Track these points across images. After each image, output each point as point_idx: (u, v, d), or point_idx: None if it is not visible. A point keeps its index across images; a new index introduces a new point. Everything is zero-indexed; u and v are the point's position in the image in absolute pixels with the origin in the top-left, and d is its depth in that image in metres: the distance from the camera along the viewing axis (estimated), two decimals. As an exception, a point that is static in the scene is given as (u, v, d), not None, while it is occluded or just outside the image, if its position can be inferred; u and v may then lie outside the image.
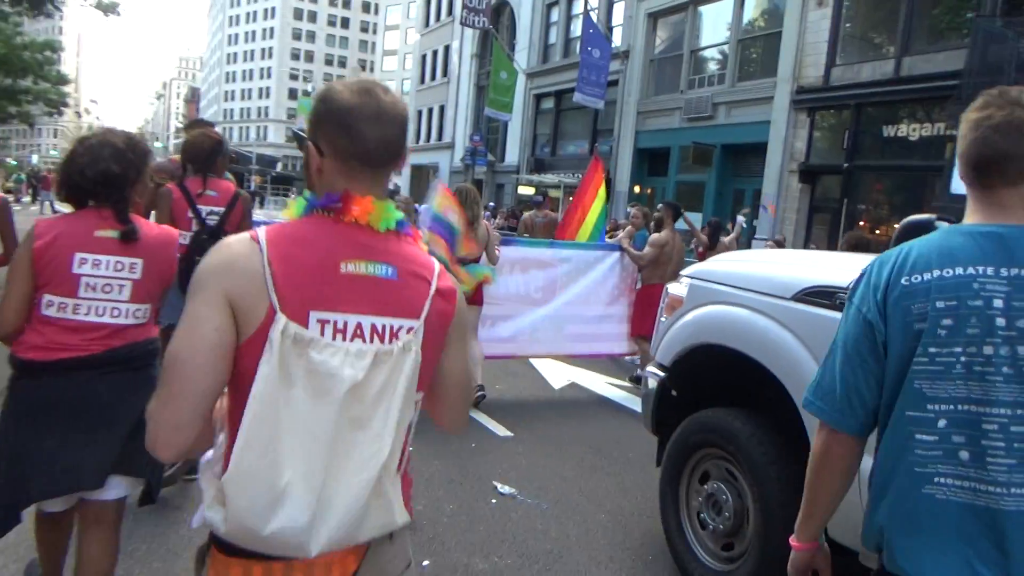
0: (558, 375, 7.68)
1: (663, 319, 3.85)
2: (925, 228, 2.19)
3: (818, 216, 18.22)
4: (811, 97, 17.80)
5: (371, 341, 1.35)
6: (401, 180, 48.87)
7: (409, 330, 1.40)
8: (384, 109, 1.39)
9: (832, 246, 16.77)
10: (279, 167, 72.16)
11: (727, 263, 3.64)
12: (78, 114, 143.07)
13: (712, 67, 21.44)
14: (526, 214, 12.11)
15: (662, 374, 3.68)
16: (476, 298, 5.90)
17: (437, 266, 1.51)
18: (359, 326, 1.35)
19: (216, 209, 4.11)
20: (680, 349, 3.55)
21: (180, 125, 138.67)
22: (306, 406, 1.27)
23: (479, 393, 6.14)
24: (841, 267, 2.94)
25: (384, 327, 1.37)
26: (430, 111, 42.26)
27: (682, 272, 3.93)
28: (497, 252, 6.06)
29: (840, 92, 17.07)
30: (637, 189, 24.19)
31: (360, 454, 1.31)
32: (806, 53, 18.02)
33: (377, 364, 1.33)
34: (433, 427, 1.67)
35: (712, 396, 3.59)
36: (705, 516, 3.44)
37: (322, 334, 1.31)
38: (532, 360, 7.79)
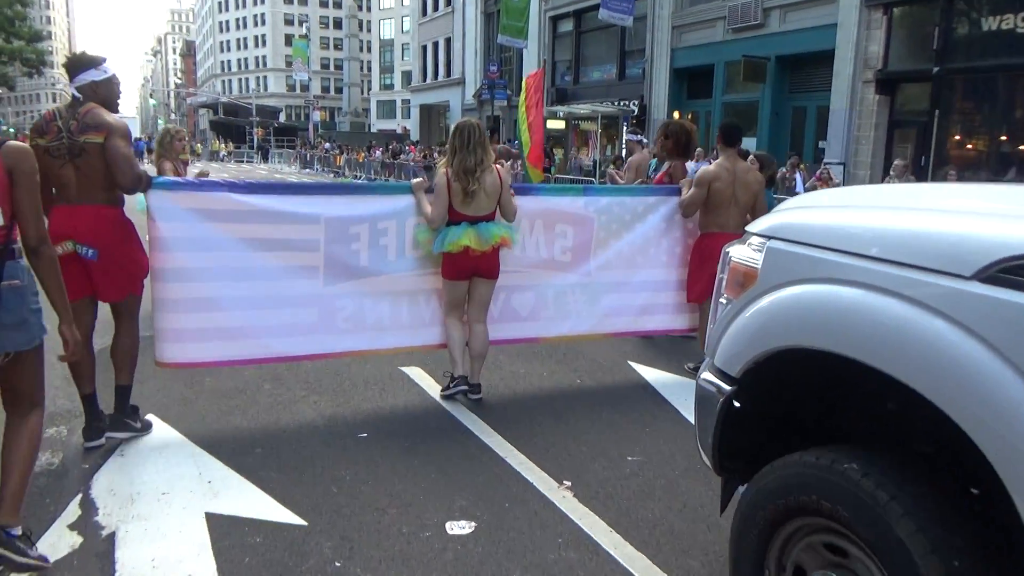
0: (592, 361, 5.66)
1: (723, 300, 2.58)
2: None
3: (900, 132, 15.68)
4: (888, -9, 15.04)
5: None
6: (410, 122, 46.24)
7: None
8: None
9: (920, 169, 14.30)
10: (282, 118, 69.59)
11: (834, 211, 2.36)
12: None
13: (760, -34, 18.52)
14: (501, 146, 10.87)
15: (727, 387, 2.37)
16: (488, 268, 4.55)
17: None
18: None
19: None
20: (757, 353, 2.25)
21: (179, 81, 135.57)
22: None
23: (468, 387, 4.68)
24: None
25: None
26: (435, 45, 39.33)
27: (753, 227, 2.53)
28: (514, 205, 4.61)
29: (926, -19, 14.31)
30: (676, 115, 21.51)
31: None
32: (880, -63, 15.18)
33: None
34: None
35: (812, 425, 2.37)
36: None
37: None
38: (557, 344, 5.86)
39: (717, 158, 6.61)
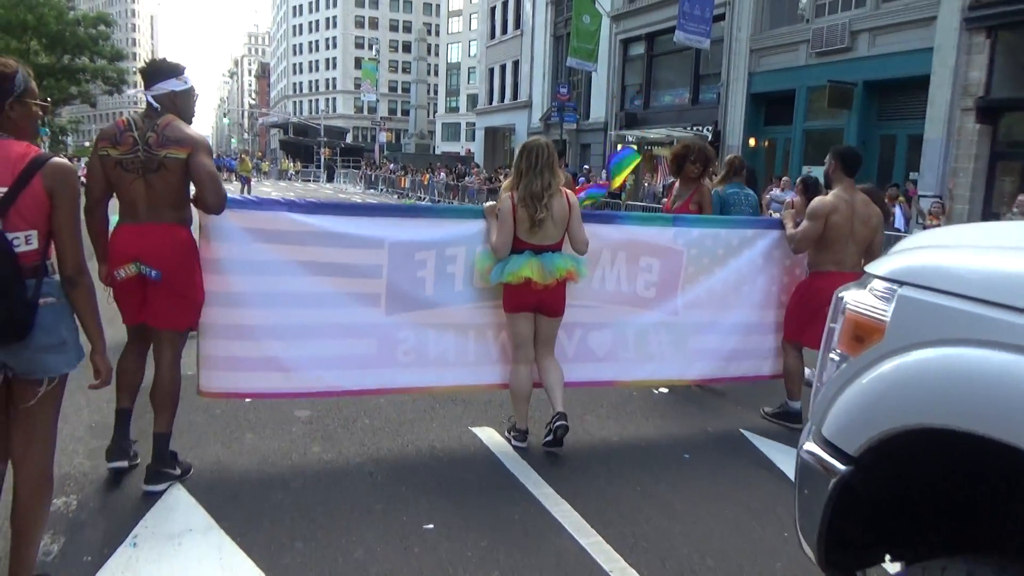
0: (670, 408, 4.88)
1: (834, 355, 2.11)
2: None
3: (1003, 165, 14.48)
4: (992, 12, 13.96)
5: None
6: (474, 144, 46.18)
7: None
8: None
9: None
10: (348, 138, 70.78)
11: (986, 253, 1.87)
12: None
13: (847, -13, 17.60)
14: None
15: (841, 467, 1.91)
16: (552, 304, 4.12)
17: None
18: None
19: None
20: (884, 430, 1.80)
21: (253, 102, 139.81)
22: None
23: (559, 423, 4.04)
24: None
25: None
26: (503, 68, 39.15)
27: (875, 268, 2.09)
28: (585, 236, 4.16)
29: (1036, 2, 13.21)
30: (752, 142, 20.67)
31: None
32: (984, -44, 14.13)
33: None
34: None
35: (958, 524, 1.96)
36: None
37: None
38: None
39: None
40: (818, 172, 16.92)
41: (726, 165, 6.35)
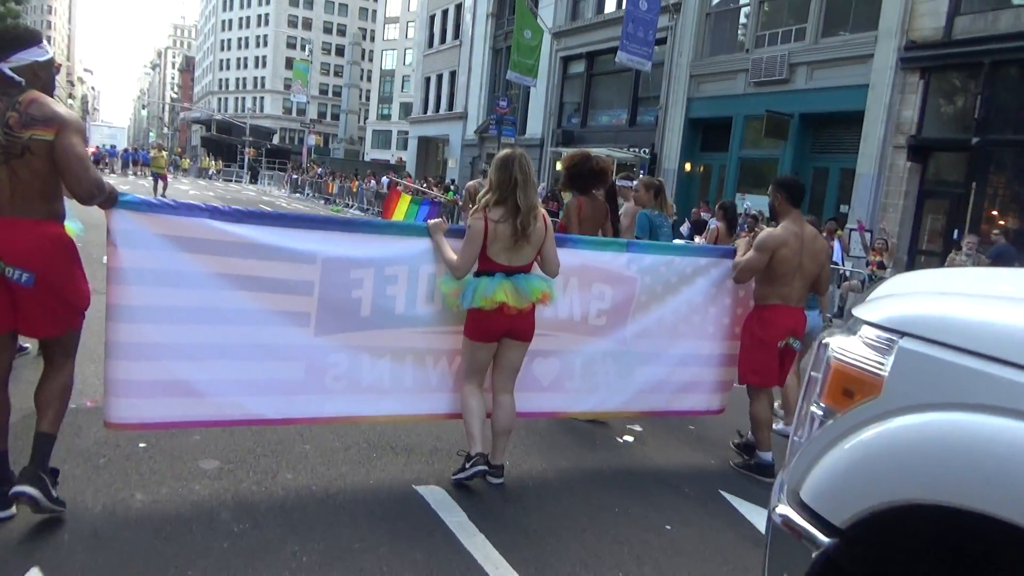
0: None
1: (817, 409, 1.91)
2: None
3: (931, 203, 14.84)
4: (927, 55, 14.32)
5: None
6: (406, 153, 45.36)
7: None
8: None
9: (949, 242, 13.43)
10: (275, 139, 68.75)
11: (1007, 305, 1.75)
12: (71, 83, 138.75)
13: (787, 19, 17.86)
14: (470, 183, 9.87)
15: (823, 539, 1.72)
16: (523, 329, 3.87)
17: None
18: None
19: None
20: (880, 502, 1.63)
21: (175, 96, 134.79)
22: None
23: (490, 468, 3.81)
24: None
25: None
26: (439, 78, 38.60)
27: (868, 313, 1.91)
28: (558, 258, 3.96)
29: (968, 48, 13.59)
30: (688, 167, 20.77)
31: None
32: (920, 0, 14.49)
33: None
34: None
35: None
36: None
37: None
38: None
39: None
40: (755, 200, 17.08)
41: (652, 187, 5.93)
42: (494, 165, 3.80)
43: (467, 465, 3.78)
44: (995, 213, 13.77)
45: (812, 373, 2.00)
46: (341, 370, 3.75)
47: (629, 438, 4.96)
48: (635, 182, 6.34)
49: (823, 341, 2.00)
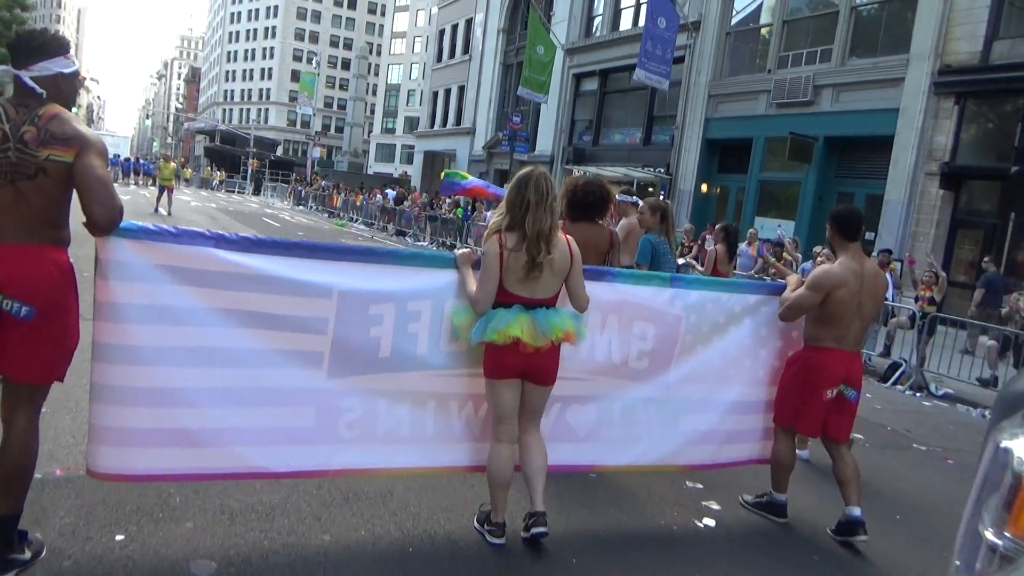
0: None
1: (994, 536, 1.45)
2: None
3: (963, 233, 14.24)
4: (962, 79, 13.79)
5: None
6: (412, 167, 44.86)
7: None
8: None
9: (981, 274, 12.80)
10: (279, 151, 68.44)
11: None
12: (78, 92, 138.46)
13: (811, 40, 17.34)
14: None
15: None
16: (542, 370, 3.43)
17: None
18: None
19: None
20: None
21: (180, 106, 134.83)
22: None
23: (537, 530, 3.42)
24: None
25: None
26: (447, 92, 38.17)
27: None
28: (586, 292, 3.56)
29: (1007, 74, 13.05)
30: (704, 188, 20.20)
31: None
32: (955, 23, 14.01)
33: None
34: None
35: None
36: None
37: None
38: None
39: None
40: (772, 225, 16.43)
41: (659, 209, 5.52)
42: (510, 184, 3.44)
43: (485, 528, 3.48)
44: (1034, 245, 13.17)
45: (982, 482, 1.50)
46: (355, 416, 3.35)
47: (710, 522, 4.12)
48: (640, 202, 5.94)
49: (1002, 444, 1.50)
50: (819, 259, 7.34)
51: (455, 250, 3.59)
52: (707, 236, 15.86)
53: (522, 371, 3.38)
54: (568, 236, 3.47)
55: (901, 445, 6.19)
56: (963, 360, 8.57)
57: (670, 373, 4.06)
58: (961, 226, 14.23)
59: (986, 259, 11.95)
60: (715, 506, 4.23)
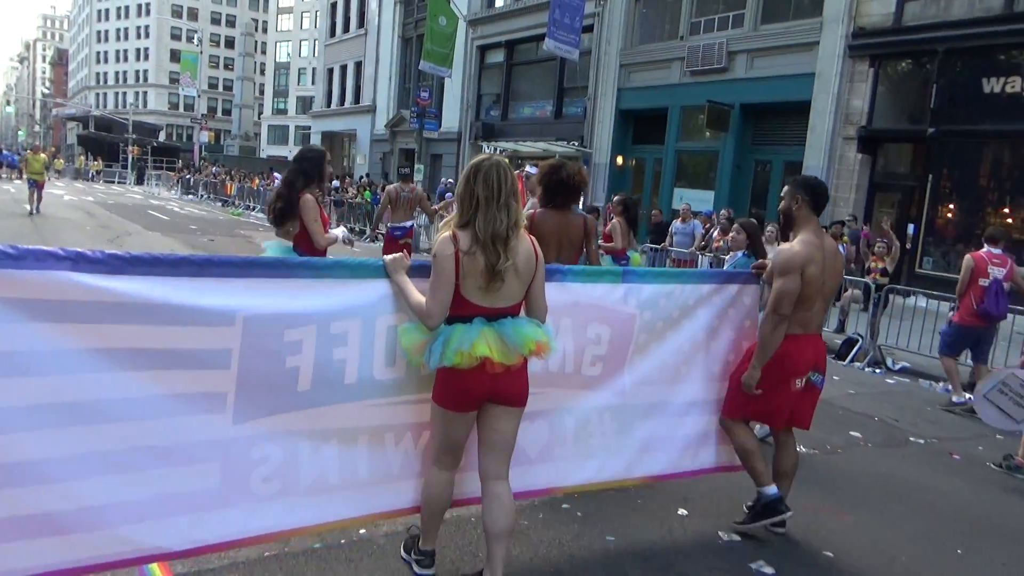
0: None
1: None
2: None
3: (882, 196, 14.29)
4: (876, 42, 13.74)
5: None
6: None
7: None
8: None
9: (903, 237, 12.83)
10: (162, 136, 64.37)
11: None
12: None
13: (723, 5, 17.03)
14: (390, 187, 9.52)
15: None
16: (514, 390, 2.92)
17: None
18: None
19: None
20: None
21: (46, 91, 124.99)
22: None
23: None
24: None
25: None
26: (343, 69, 36.40)
27: None
28: (545, 299, 3.06)
29: (920, 35, 13.05)
30: (620, 160, 19.74)
31: None
32: (867, -16, 13.87)
33: None
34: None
35: None
36: None
37: None
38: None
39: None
40: (690, 195, 16.14)
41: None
42: (461, 176, 2.97)
43: (412, 556, 3.12)
44: (951, 206, 13.30)
45: None
46: (272, 467, 2.82)
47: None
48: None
49: None
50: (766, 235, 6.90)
51: (383, 256, 3.04)
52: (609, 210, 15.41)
53: (487, 394, 2.88)
54: (531, 236, 3.00)
55: (898, 440, 5.74)
56: (911, 329, 8.34)
57: (624, 376, 3.71)
58: (880, 189, 14.29)
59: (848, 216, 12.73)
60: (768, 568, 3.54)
